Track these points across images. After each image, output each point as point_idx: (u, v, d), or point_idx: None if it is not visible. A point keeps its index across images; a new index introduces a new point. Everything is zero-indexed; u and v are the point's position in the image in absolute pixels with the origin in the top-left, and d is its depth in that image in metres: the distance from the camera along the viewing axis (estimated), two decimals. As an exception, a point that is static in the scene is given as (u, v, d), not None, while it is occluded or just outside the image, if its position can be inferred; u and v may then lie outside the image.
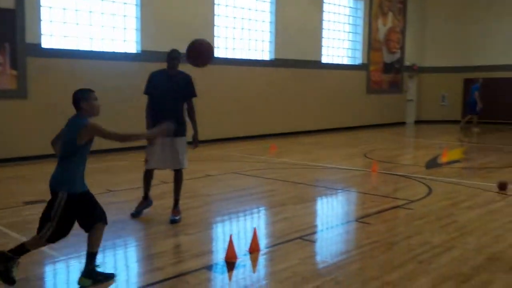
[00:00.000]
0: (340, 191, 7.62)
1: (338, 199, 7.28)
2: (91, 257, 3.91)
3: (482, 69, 20.42)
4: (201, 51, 5.50)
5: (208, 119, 11.78)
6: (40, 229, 3.81)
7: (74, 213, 3.87)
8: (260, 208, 6.64)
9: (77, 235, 4.95)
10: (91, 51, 11.50)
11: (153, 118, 5.57)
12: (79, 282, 3.86)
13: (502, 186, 7.30)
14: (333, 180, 8.46)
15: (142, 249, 4.91)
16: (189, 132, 5.92)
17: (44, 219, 3.81)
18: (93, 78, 11.36)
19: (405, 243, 4.90)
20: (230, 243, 4.44)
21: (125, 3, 12.09)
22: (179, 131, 5.51)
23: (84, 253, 4.00)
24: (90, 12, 11.48)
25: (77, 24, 11.31)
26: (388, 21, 19.65)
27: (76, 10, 11.27)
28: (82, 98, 4.20)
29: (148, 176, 5.95)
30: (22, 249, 3.83)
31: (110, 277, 4.00)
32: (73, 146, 3.96)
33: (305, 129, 16.52)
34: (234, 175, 8.75)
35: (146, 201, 6.00)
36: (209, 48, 5.59)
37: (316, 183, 8.22)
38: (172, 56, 5.74)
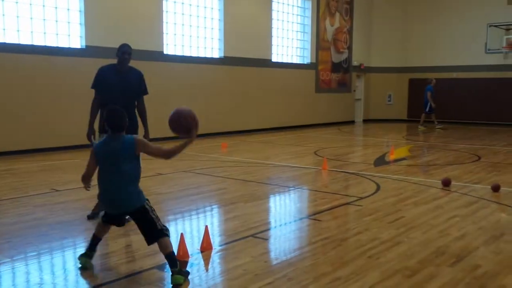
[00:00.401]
0: (291, 188, 7.70)
1: (289, 197, 7.35)
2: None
3: (427, 69, 21.25)
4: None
5: (157, 117, 11.57)
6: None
7: None
8: (212, 207, 6.62)
9: (23, 236, 4.78)
10: (34, 46, 11.09)
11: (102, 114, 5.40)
12: (175, 280, 3.76)
13: (446, 183, 7.60)
14: (284, 178, 8.54)
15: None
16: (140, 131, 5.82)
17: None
18: (36, 74, 10.98)
19: (355, 239, 5.00)
20: (182, 241, 4.40)
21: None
22: (130, 130, 5.37)
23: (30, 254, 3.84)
24: (31, 4, 11.05)
25: (17, 17, 10.87)
26: (335, 21, 20.05)
27: (17, 3, 10.82)
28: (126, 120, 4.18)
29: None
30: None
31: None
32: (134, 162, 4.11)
33: (255, 127, 16.61)
34: (185, 174, 8.68)
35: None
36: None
37: (267, 181, 8.27)
38: (123, 51, 5.52)
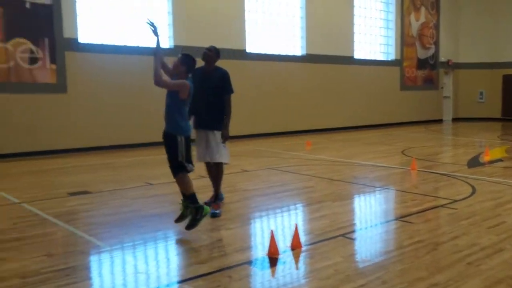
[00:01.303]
0: (378, 189, 7.48)
1: (377, 197, 7.15)
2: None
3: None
4: None
5: (242, 114, 11.78)
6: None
7: None
8: (299, 205, 6.58)
9: (121, 226, 5.03)
10: (127, 46, 11.64)
11: (190, 112, 5.58)
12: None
13: (549, 186, 7.06)
14: (371, 178, 8.32)
15: (183, 243, 4.91)
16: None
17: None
18: (128, 72, 11.54)
19: (451, 243, 4.75)
20: (272, 238, 4.40)
21: (159, -1, 12.21)
22: (215, 126, 5.74)
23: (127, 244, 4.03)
24: (124, 7, 11.61)
25: (111, 19, 11.46)
26: (421, 16, 19.28)
27: (111, 5, 11.41)
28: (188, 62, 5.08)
29: (208, 170, 6.11)
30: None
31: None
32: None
33: (339, 125, 16.38)
34: (270, 171, 8.72)
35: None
36: None
37: (353, 180, 8.10)
38: (202, 52, 5.87)
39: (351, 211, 6.33)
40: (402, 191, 7.37)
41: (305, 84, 15.28)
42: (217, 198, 5.95)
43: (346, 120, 16.68)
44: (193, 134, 5.65)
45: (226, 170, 7.25)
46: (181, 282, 3.84)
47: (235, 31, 13.57)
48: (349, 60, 16.71)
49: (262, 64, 14.20)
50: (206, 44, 12.45)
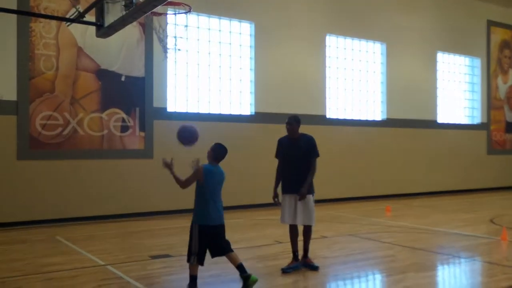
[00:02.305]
0: (465, 260, 7.07)
1: (463, 269, 6.76)
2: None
3: None
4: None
5: (321, 179, 11.77)
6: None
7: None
8: (380, 275, 6.36)
9: None
10: (210, 114, 12.22)
11: (282, 177, 6.34)
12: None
13: None
14: (456, 248, 7.88)
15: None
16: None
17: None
18: (212, 139, 12.03)
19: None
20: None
21: (240, 68, 12.82)
22: (309, 190, 6.15)
23: None
24: (209, 77, 12.34)
25: (198, 89, 12.18)
26: (509, 79, 18.65)
27: (198, 77, 12.17)
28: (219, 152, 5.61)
29: (290, 232, 6.37)
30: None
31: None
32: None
33: (420, 191, 15.84)
34: (350, 238, 8.55)
35: (295, 260, 6.29)
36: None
37: (437, 249, 7.73)
38: (286, 122, 6.33)
39: (436, 284, 6.01)
40: (491, 263, 6.90)
41: (386, 148, 15.03)
42: (307, 253, 6.37)
43: (428, 185, 16.08)
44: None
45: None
46: None
47: (315, 97, 13.85)
48: (432, 124, 16.36)
49: (343, 129, 14.26)
50: (287, 110, 12.91)
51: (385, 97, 15.36)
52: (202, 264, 5.21)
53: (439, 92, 16.76)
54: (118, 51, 10.94)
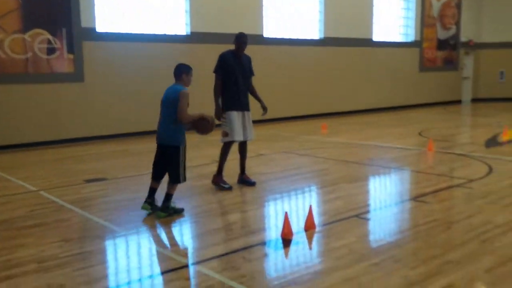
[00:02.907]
0: (394, 170, 7.45)
1: (392, 178, 7.12)
2: (167, 197, 5.05)
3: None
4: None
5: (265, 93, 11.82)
6: (173, 176, 5.05)
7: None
8: (313, 187, 6.59)
9: (137, 211, 5.11)
10: (143, 34, 11.69)
11: (228, 94, 6.12)
12: (157, 215, 5.01)
13: None
14: (386, 159, 8.27)
15: (200, 226, 4.98)
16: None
17: (172, 169, 5.05)
18: (145, 60, 11.61)
19: (465, 222, 4.74)
20: (286, 220, 4.44)
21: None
22: (249, 106, 6.27)
23: (143, 228, 4.12)
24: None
25: (127, 7, 11.51)
26: (443, -4, 18.91)
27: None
28: (185, 72, 5.16)
29: (228, 150, 6.33)
30: (166, 197, 5.05)
31: (179, 211, 5.13)
32: (175, 107, 4.94)
33: (356, 108, 16.28)
34: (286, 155, 8.73)
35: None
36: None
37: (369, 162, 8.07)
38: (244, 41, 6.16)
39: (366, 193, 6.33)
40: (418, 172, 7.33)
41: (323, 68, 15.15)
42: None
43: (363, 103, 16.53)
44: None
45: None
46: (196, 263, 3.90)
47: (252, 16, 13.51)
48: (368, 42, 16.52)
49: (280, 49, 14.13)
50: (223, 30, 12.52)
51: (322, 16, 15.21)
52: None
53: (375, 10, 16.79)
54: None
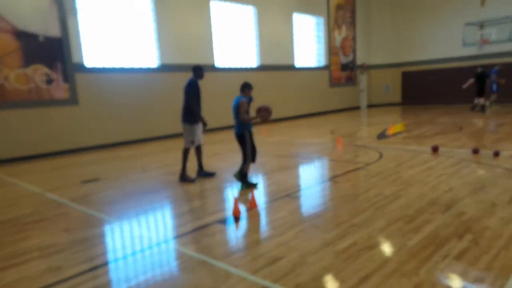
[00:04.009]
0: (315, 159, 7.52)
1: (314, 166, 7.18)
2: (245, 175, 5.46)
3: (415, 63, 20.32)
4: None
5: (212, 111, 11.68)
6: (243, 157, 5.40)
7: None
8: (255, 176, 6.52)
9: (124, 203, 4.86)
10: (123, 68, 11.25)
11: (196, 111, 6.06)
12: (234, 175, 5.49)
13: (435, 149, 7.25)
14: (309, 152, 8.35)
15: (171, 211, 4.82)
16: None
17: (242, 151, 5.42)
18: (126, 87, 11.18)
19: (365, 195, 4.84)
20: (235, 202, 4.37)
21: (145, 28, 11.80)
22: (192, 119, 6.15)
23: (129, 215, 3.92)
24: (120, 35, 11.21)
25: (110, 46, 11.04)
26: (342, 32, 19.38)
27: (109, 34, 10.98)
28: (247, 87, 5.41)
29: (188, 153, 6.28)
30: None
31: (254, 185, 5.50)
32: (237, 109, 5.28)
33: (286, 115, 16.40)
34: (235, 153, 8.62)
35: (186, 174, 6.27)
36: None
37: (296, 154, 8.12)
38: (202, 70, 6.16)
39: (295, 177, 6.33)
40: (332, 159, 7.43)
41: (261, 86, 15.11)
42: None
43: (291, 111, 16.70)
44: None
45: (204, 154, 7.15)
46: (169, 240, 3.76)
47: (206, 49, 13.31)
48: (292, 67, 16.68)
49: (226, 75, 14.02)
50: (185, 61, 12.21)
51: (258, 47, 15.23)
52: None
53: (295, 44, 16.98)
54: (33, 14, 9.42)
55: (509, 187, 4.68)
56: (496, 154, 6.45)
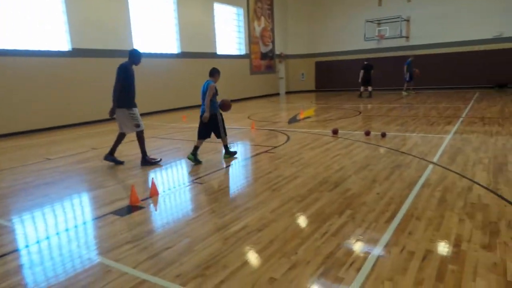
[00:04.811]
0: (231, 144, 7.32)
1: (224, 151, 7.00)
2: (226, 147, 5.94)
3: (326, 54, 21.10)
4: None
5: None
6: (219, 134, 5.74)
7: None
8: (167, 162, 6.17)
9: (13, 197, 4.22)
10: (26, 50, 9.92)
11: (130, 95, 5.57)
12: (225, 157, 5.95)
13: (335, 131, 7.50)
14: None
15: (64, 203, 4.30)
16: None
17: (215, 130, 5.73)
18: (26, 73, 9.90)
19: (266, 177, 4.78)
20: (132, 191, 4.01)
21: (53, 7, 10.51)
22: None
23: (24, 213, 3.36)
24: (22, 13, 9.82)
25: (10, 24, 9.64)
26: (261, 23, 19.35)
27: (8, 11, 9.56)
28: (217, 72, 5.72)
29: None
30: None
31: (234, 153, 6.06)
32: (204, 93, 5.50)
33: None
34: (153, 139, 8.14)
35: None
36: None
37: (210, 140, 7.84)
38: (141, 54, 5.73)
39: (204, 162, 6.08)
40: (243, 144, 7.31)
41: (181, 72, 14.57)
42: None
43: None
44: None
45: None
46: (51, 236, 3.31)
47: (122, 34, 12.30)
48: (214, 55, 16.25)
49: (146, 61, 13.16)
50: (100, 46, 11.19)
51: (178, 35, 14.53)
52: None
53: (217, 32, 16.56)
54: None
55: (388, 165, 4.95)
56: (383, 135, 6.86)
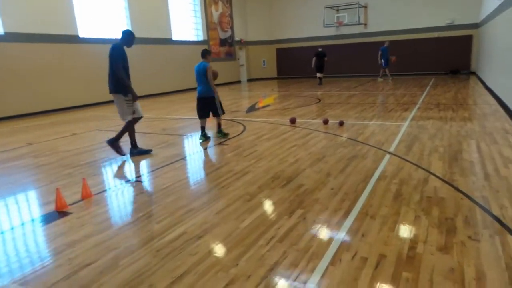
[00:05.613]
0: (180, 136, 6.88)
1: (174, 143, 6.50)
2: (220, 126, 6.27)
3: (286, 41, 20.85)
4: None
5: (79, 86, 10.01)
6: (216, 113, 6.03)
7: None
8: (107, 159, 5.60)
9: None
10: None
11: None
12: (218, 135, 6.19)
13: (293, 121, 7.25)
14: (177, 128, 7.67)
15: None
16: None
17: (213, 109, 6.04)
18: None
19: (215, 173, 4.42)
20: (58, 195, 3.50)
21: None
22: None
23: None
24: None
25: None
26: (219, 8, 18.69)
27: None
28: (208, 53, 5.94)
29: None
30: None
31: (226, 134, 6.29)
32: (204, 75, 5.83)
33: (162, 91, 15.31)
34: (96, 132, 7.50)
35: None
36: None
37: (163, 131, 7.37)
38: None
39: (150, 158, 5.59)
40: (196, 135, 6.87)
41: (140, 60, 13.67)
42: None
43: (167, 86, 15.64)
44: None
45: (56, 135, 5.93)
46: None
47: (66, 17, 11.28)
48: (169, 41, 15.47)
49: (94, 47, 12.23)
50: (39, 30, 10.20)
51: (129, 19, 13.61)
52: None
53: (173, 16, 15.74)
54: None
55: (344, 156, 4.74)
56: (341, 124, 6.69)
